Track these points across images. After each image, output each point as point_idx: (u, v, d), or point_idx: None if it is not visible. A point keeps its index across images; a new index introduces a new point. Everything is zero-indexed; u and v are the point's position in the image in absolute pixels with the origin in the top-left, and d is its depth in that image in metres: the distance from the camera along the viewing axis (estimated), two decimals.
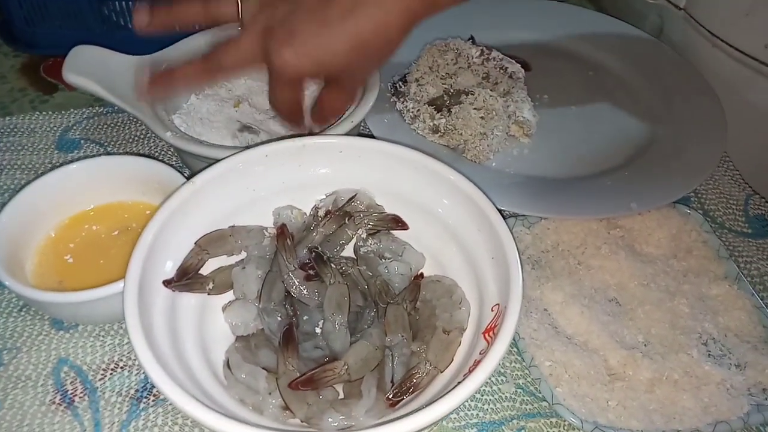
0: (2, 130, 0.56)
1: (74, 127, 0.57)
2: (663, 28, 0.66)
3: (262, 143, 0.43)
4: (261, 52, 0.41)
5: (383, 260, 0.42)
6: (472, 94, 0.55)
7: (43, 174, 0.45)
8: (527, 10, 0.69)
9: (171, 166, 0.46)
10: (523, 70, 0.59)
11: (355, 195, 0.44)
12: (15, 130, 0.56)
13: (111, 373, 0.41)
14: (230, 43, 0.43)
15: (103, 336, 0.43)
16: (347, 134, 0.48)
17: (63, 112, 0.58)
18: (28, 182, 0.45)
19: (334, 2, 0.40)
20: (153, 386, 0.40)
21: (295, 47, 0.40)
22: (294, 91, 0.43)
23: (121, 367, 0.41)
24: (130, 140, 0.56)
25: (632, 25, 0.67)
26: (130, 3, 0.60)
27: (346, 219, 0.43)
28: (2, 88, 0.61)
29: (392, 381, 0.36)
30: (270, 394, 0.35)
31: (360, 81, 0.48)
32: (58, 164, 0.54)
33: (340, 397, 0.37)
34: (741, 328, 0.45)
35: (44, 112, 0.58)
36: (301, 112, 0.45)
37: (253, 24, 0.42)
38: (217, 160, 0.42)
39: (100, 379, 0.41)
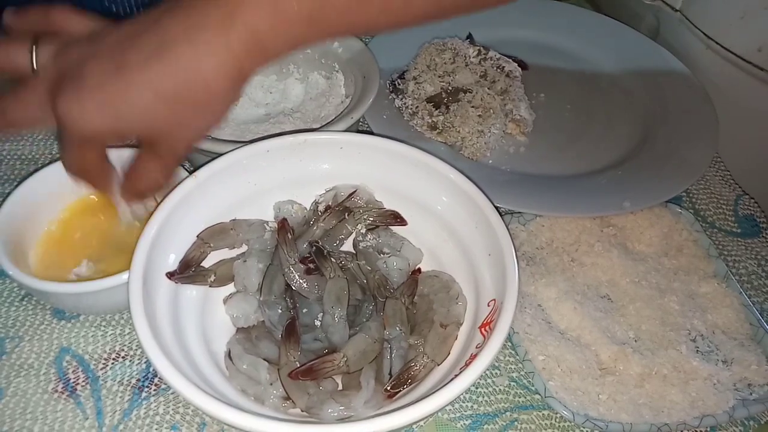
0: None
1: None
2: (659, 29, 0.67)
3: (263, 138, 0.44)
4: (50, 105, 0.33)
5: (382, 255, 0.43)
6: (469, 92, 0.56)
7: (44, 165, 0.45)
8: (525, 9, 0.69)
9: None
10: (519, 69, 0.59)
11: (355, 191, 0.45)
12: None
13: (113, 363, 0.42)
14: (17, 94, 0.35)
15: (104, 326, 0.43)
16: (347, 130, 0.48)
17: None
18: (29, 173, 0.46)
19: (136, 43, 0.32)
20: (154, 375, 0.41)
21: (83, 100, 0.32)
22: (89, 153, 0.35)
23: (123, 357, 0.42)
24: None
25: (629, 26, 0.68)
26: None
27: (346, 214, 0.44)
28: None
29: (390, 373, 0.37)
30: (271, 384, 0.36)
31: (182, 145, 0.36)
32: (58, 155, 0.54)
33: (339, 389, 0.38)
34: (728, 325, 0.46)
35: None
36: (104, 178, 0.37)
37: (43, 72, 0.34)
38: (220, 155, 0.42)
39: (101, 369, 0.41)
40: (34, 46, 0.35)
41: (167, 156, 0.36)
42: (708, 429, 0.42)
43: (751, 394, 0.42)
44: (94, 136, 0.33)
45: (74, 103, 0.32)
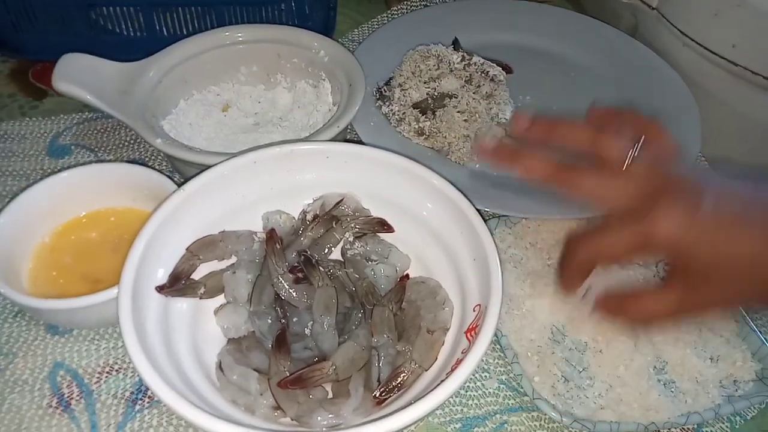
0: None
1: (64, 133, 0.58)
2: (638, 27, 0.68)
3: (249, 150, 0.45)
4: (636, 198, 0.36)
5: (370, 262, 0.44)
6: (455, 97, 0.56)
7: (35, 181, 0.45)
8: (507, 12, 0.70)
9: (161, 172, 0.47)
10: (504, 73, 0.60)
11: (342, 199, 0.45)
12: (5, 136, 0.57)
13: (106, 376, 0.42)
14: (609, 173, 0.38)
15: (97, 340, 0.44)
16: (334, 139, 0.49)
17: (53, 117, 0.59)
18: (20, 189, 0.46)
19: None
20: (148, 388, 0.42)
21: (688, 216, 0.34)
22: (624, 252, 0.37)
23: (116, 370, 0.43)
24: (121, 145, 0.57)
25: (609, 25, 0.69)
26: (117, 8, 0.61)
27: (334, 223, 0.45)
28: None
29: (379, 380, 0.38)
30: (261, 394, 0.36)
31: (720, 299, 0.37)
32: (49, 170, 0.55)
33: (329, 397, 0.38)
34: (714, 322, 0.47)
35: (34, 118, 0.59)
36: (584, 275, 0.39)
37: (636, 171, 0.37)
38: (207, 167, 0.43)
39: (95, 382, 0.42)
40: (636, 146, 0.38)
41: (702, 296, 0.36)
42: (695, 426, 0.42)
43: (736, 390, 0.43)
44: (663, 245, 0.35)
45: (680, 215, 0.35)
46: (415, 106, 0.57)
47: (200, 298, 0.41)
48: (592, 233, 0.39)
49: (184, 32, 0.62)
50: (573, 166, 0.40)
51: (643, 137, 0.39)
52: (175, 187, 0.44)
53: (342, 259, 0.45)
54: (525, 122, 0.42)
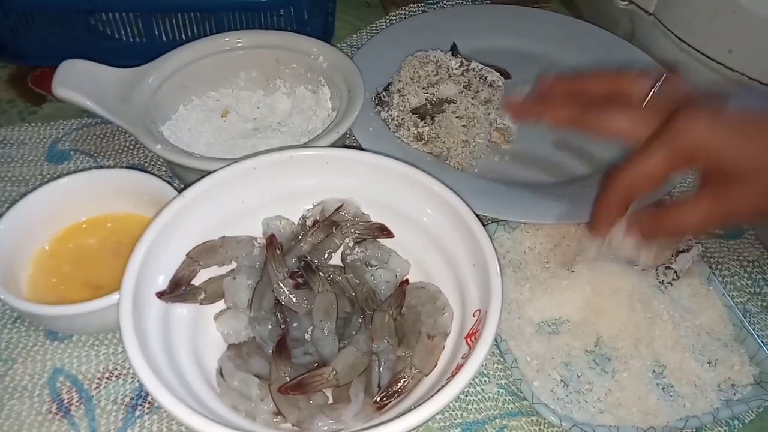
0: None
1: (64, 138, 0.58)
2: (635, 32, 0.68)
3: (249, 156, 0.45)
4: (657, 121, 0.38)
5: (370, 268, 0.44)
6: (453, 102, 0.56)
7: (34, 187, 0.45)
8: (507, 18, 0.70)
9: (161, 178, 0.47)
10: (502, 78, 0.60)
11: (342, 205, 0.45)
12: (4, 142, 0.57)
13: (106, 382, 0.42)
14: (617, 109, 0.40)
15: (97, 346, 0.44)
16: (333, 145, 0.49)
17: (52, 123, 0.59)
18: (20, 195, 0.46)
19: None
20: (147, 394, 0.42)
21: (716, 121, 0.35)
22: (662, 167, 0.38)
23: (116, 376, 0.43)
24: (120, 151, 0.57)
25: (607, 30, 0.69)
26: (116, 14, 0.61)
27: (334, 228, 0.45)
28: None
29: (379, 385, 0.38)
30: (262, 400, 0.37)
31: (759, 198, 0.36)
32: (48, 176, 0.55)
33: (329, 402, 0.38)
34: (712, 326, 0.47)
35: (33, 124, 0.59)
36: (627, 199, 0.40)
37: (660, 109, 0.39)
38: (207, 172, 0.43)
39: (95, 388, 0.42)
40: (657, 83, 0.40)
41: (732, 201, 0.36)
42: (693, 430, 0.42)
43: (734, 394, 0.43)
44: (693, 152, 0.36)
45: (706, 118, 0.36)
46: (414, 111, 0.57)
47: (200, 304, 0.41)
48: (625, 164, 0.39)
49: (184, 38, 0.62)
50: (598, 105, 0.41)
51: (663, 77, 0.40)
52: (175, 192, 0.44)
53: (342, 265, 0.45)
54: (548, 80, 0.45)
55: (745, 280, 0.52)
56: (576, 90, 0.44)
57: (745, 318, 0.47)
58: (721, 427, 0.43)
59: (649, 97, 0.40)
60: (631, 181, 0.39)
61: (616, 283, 0.46)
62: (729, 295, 0.48)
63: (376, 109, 0.59)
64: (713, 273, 0.49)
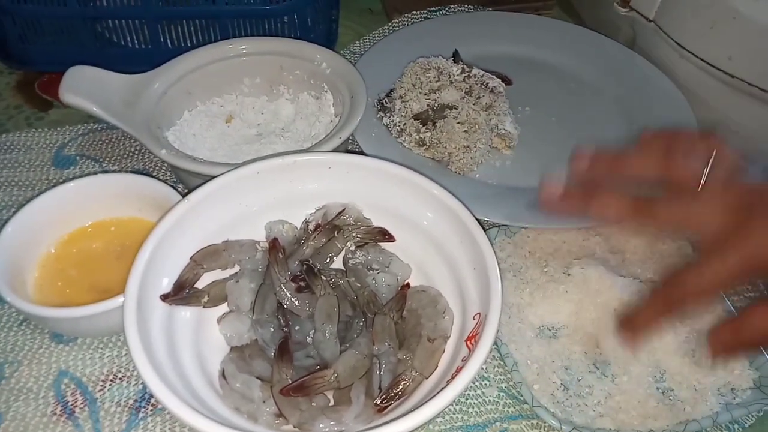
0: None
1: (70, 144, 0.59)
2: (635, 39, 0.69)
3: (254, 160, 0.45)
4: (726, 216, 0.35)
5: (371, 271, 0.44)
6: (455, 108, 0.57)
7: (41, 192, 0.46)
8: (508, 25, 0.71)
9: (165, 182, 0.47)
10: (503, 84, 0.61)
11: (344, 209, 0.46)
12: (11, 147, 0.58)
13: (110, 384, 0.43)
14: (689, 197, 0.36)
15: (101, 348, 0.44)
16: (336, 150, 0.50)
17: (58, 128, 0.60)
18: (26, 199, 0.47)
19: None
20: (151, 396, 0.42)
21: None
22: (728, 278, 0.35)
23: (120, 378, 0.43)
24: (125, 156, 0.58)
25: (607, 37, 0.70)
26: (122, 21, 0.62)
27: (336, 232, 0.45)
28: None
29: (380, 388, 0.38)
30: (264, 402, 0.37)
31: None
32: (54, 181, 0.55)
33: (330, 404, 0.39)
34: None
35: (40, 129, 0.60)
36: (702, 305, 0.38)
37: (713, 189, 0.36)
38: (211, 177, 0.44)
39: (99, 390, 0.42)
40: (708, 164, 0.36)
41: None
42: None
43: (734, 398, 0.43)
44: (755, 265, 0.34)
45: None
46: (416, 117, 0.58)
47: (204, 307, 0.42)
48: (691, 267, 0.36)
49: (189, 45, 0.63)
50: (649, 198, 0.37)
51: (714, 153, 0.37)
52: (180, 197, 0.44)
53: (343, 268, 0.45)
54: (585, 161, 0.40)
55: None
56: (617, 174, 0.39)
57: None
58: (721, 431, 0.43)
59: (703, 181, 0.36)
60: (699, 286, 0.36)
61: (617, 284, 0.47)
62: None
63: (379, 115, 0.59)
64: None
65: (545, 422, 0.41)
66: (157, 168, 0.58)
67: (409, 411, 0.33)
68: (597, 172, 0.39)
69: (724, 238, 0.35)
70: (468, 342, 0.38)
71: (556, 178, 0.41)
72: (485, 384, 0.44)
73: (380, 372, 0.39)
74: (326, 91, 0.58)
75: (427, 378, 0.38)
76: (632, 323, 0.38)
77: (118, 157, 0.58)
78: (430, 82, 0.60)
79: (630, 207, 0.37)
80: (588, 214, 0.39)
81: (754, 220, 0.34)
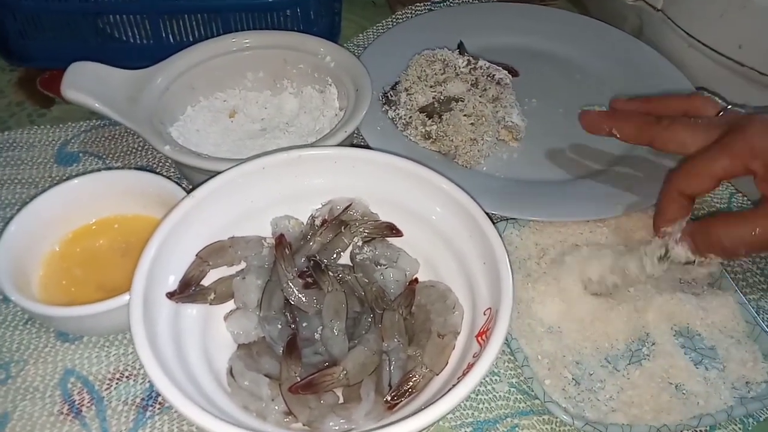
0: (1, 145, 0.57)
1: (72, 141, 0.58)
2: (642, 29, 0.68)
3: (258, 155, 0.45)
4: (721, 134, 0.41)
5: (379, 267, 0.44)
6: (461, 100, 0.56)
7: (44, 189, 0.46)
8: (513, 15, 0.70)
9: (169, 179, 0.47)
10: (510, 76, 0.60)
11: (351, 204, 0.45)
12: (14, 144, 0.57)
13: (117, 383, 0.42)
14: (689, 122, 0.43)
15: (108, 347, 0.44)
16: (341, 144, 0.49)
17: (61, 125, 0.59)
18: (29, 197, 0.47)
19: None
20: (158, 394, 0.42)
21: None
22: (715, 175, 0.40)
23: (127, 377, 0.43)
24: (129, 152, 0.58)
25: (614, 26, 0.69)
26: (124, 16, 0.61)
27: (342, 227, 0.45)
28: (0, 103, 0.62)
29: (390, 384, 0.38)
30: (273, 400, 0.36)
31: None
32: (57, 178, 0.55)
33: (340, 402, 0.38)
34: (725, 323, 0.46)
35: (42, 126, 0.59)
36: (682, 206, 0.43)
37: (720, 120, 0.43)
38: (216, 173, 0.43)
39: (106, 389, 0.42)
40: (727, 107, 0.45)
41: None
42: (707, 428, 0.42)
43: (749, 392, 0.43)
44: (750, 157, 0.39)
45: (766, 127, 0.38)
46: (422, 110, 0.57)
47: (210, 304, 0.41)
48: (685, 163, 0.41)
49: (191, 39, 0.62)
50: (665, 117, 0.44)
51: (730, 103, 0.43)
52: (184, 193, 0.44)
53: (351, 264, 0.45)
54: (621, 101, 0.49)
55: (758, 276, 0.51)
56: (646, 110, 0.47)
57: (758, 315, 0.46)
58: (736, 425, 0.43)
59: (718, 114, 0.43)
60: (689, 180, 0.41)
61: (625, 277, 0.46)
62: (741, 292, 0.48)
63: (384, 108, 0.58)
64: (725, 270, 0.49)
65: (557, 417, 0.41)
66: (160, 164, 0.57)
67: (421, 408, 0.33)
68: (628, 106, 0.49)
69: (720, 141, 0.41)
70: (479, 338, 0.37)
71: (596, 107, 0.51)
72: (496, 379, 0.44)
73: (390, 368, 0.38)
74: (330, 85, 0.58)
75: (437, 374, 0.38)
76: (656, 214, 0.44)
77: (122, 154, 0.57)
78: (435, 74, 0.59)
79: (646, 128, 0.44)
80: (612, 131, 0.48)
81: (748, 123, 0.40)
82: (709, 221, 0.41)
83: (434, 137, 0.56)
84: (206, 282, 0.42)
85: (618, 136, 0.48)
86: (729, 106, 0.44)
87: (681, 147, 0.43)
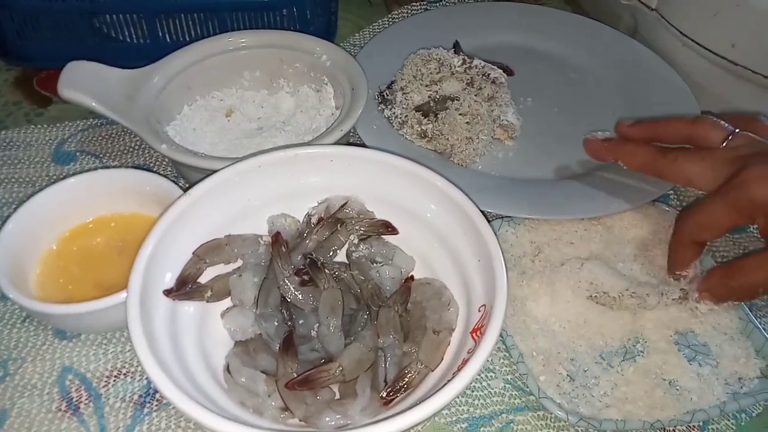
0: None
1: (69, 140, 0.58)
2: (637, 28, 0.68)
3: (255, 154, 0.45)
4: (726, 172, 0.41)
5: (375, 264, 0.44)
6: (457, 99, 0.57)
7: (41, 188, 0.46)
8: (509, 15, 0.71)
9: (166, 177, 0.47)
10: (505, 75, 0.60)
11: (347, 202, 0.46)
12: (11, 143, 0.58)
13: (114, 380, 0.43)
14: (693, 154, 0.43)
15: (105, 344, 0.44)
16: (337, 143, 0.49)
17: (58, 124, 0.59)
18: (27, 196, 0.47)
19: None
20: (156, 392, 0.42)
21: None
22: (727, 221, 0.41)
23: (124, 374, 0.43)
24: (125, 151, 0.58)
25: (608, 26, 0.69)
26: (120, 16, 0.61)
27: (338, 225, 0.45)
28: None
29: (385, 380, 0.38)
30: (269, 396, 0.37)
31: None
32: (55, 177, 0.55)
33: (336, 397, 0.38)
34: (718, 320, 0.47)
35: (39, 125, 0.59)
36: (698, 252, 0.44)
37: (732, 149, 0.42)
38: (213, 171, 0.43)
39: (104, 386, 0.42)
40: (734, 132, 0.43)
41: None
42: (700, 424, 0.42)
43: (741, 387, 0.43)
44: (752, 208, 0.39)
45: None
46: (417, 109, 0.57)
47: (207, 302, 0.42)
48: (693, 209, 0.42)
49: (187, 39, 0.63)
50: (671, 153, 0.43)
51: (739, 125, 0.42)
52: (181, 192, 0.44)
53: (347, 262, 0.45)
54: (627, 124, 0.49)
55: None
56: (653, 135, 0.47)
57: (751, 311, 0.47)
58: (729, 421, 0.43)
59: (723, 145, 0.42)
60: (695, 228, 0.43)
61: (619, 275, 0.46)
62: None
63: (380, 107, 0.59)
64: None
65: (551, 413, 0.41)
66: (157, 163, 0.57)
67: (415, 404, 0.33)
68: (634, 132, 0.48)
69: (725, 184, 0.41)
70: (473, 334, 0.38)
71: (600, 133, 0.51)
72: (491, 376, 0.44)
73: (386, 365, 0.38)
74: (327, 84, 0.58)
75: (432, 370, 0.38)
76: (669, 260, 0.46)
77: (119, 153, 0.58)
78: (431, 73, 0.59)
79: (653, 159, 0.44)
80: (618, 160, 0.47)
81: (747, 165, 0.39)
82: (725, 272, 0.42)
83: (430, 136, 0.56)
84: (203, 280, 0.42)
85: (624, 164, 0.48)
86: (736, 130, 0.43)
87: (688, 182, 0.44)
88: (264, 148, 0.53)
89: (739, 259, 0.42)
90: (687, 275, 0.45)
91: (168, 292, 0.39)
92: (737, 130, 0.43)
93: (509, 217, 0.51)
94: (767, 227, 0.40)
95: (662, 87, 0.62)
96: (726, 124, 0.44)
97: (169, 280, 0.40)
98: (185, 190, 0.43)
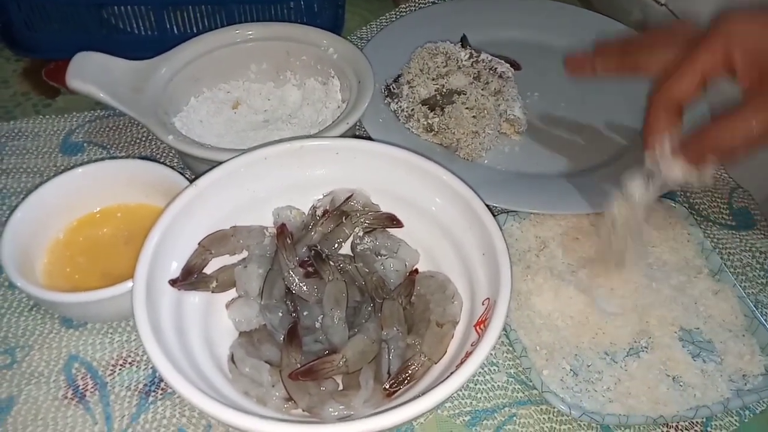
0: (7, 135, 0.58)
1: (77, 131, 0.59)
2: (645, 23, 0.68)
3: (261, 145, 0.45)
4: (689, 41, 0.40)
5: (379, 257, 0.44)
6: (463, 93, 0.56)
7: (49, 178, 0.46)
8: (515, 9, 0.70)
9: (173, 168, 0.47)
10: (512, 70, 0.60)
11: (352, 195, 0.46)
12: (19, 134, 0.58)
13: (120, 369, 0.43)
14: (649, 42, 0.45)
15: (111, 333, 0.45)
16: (343, 135, 0.49)
17: (66, 115, 0.60)
18: (34, 186, 0.47)
19: None
20: (161, 380, 0.42)
21: (761, 25, 0.37)
22: (701, 73, 0.40)
23: (130, 363, 0.43)
24: (133, 142, 0.58)
25: (617, 21, 0.69)
26: (128, 7, 0.61)
27: (344, 218, 0.45)
28: (5, 93, 0.62)
29: (389, 372, 0.38)
30: (273, 386, 0.37)
31: None
32: (62, 167, 0.55)
33: (339, 389, 0.39)
34: (723, 317, 0.47)
35: (47, 116, 0.60)
36: (673, 114, 0.41)
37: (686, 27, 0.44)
38: (219, 163, 0.44)
39: (109, 375, 0.43)
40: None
41: None
42: (703, 420, 0.42)
43: (745, 384, 0.43)
44: (732, 50, 0.38)
45: (744, 18, 0.38)
46: (424, 102, 0.57)
47: (212, 292, 0.42)
48: (672, 64, 0.41)
49: (195, 31, 0.63)
50: (645, 46, 0.44)
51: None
52: (187, 183, 0.44)
53: (352, 254, 0.45)
54: (604, 41, 0.49)
55: (757, 270, 0.51)
56: (627, 46, 0.47)
57: (756, 309, 0.47)
58: (732, 417, 0.43)
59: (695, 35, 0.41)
60: (674, 82, 0.40)
61: (626, 270, 0.46)
62: (740, 286, 0.48)
63: (386, 101, 0.59)
64: (725, 264, 0.49)
65: (554, 407, 0.41)
66: (164, 154, 0.57)
67: (418, 396, 0.33)
68: (610, 44, 0.48)
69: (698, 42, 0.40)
70: (477, 327, 0.38)
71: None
72: (494, 369, 0.44)
73: (389, 357, 0.39)
74: (333, 77, 0.58)
75: (436, 363, 0.38)
76: (645, 131, 0.43)
77: (126, 144, 0.58)
78: (437, 67, 0.59)
79: (627, 57, 0.45)
80: (595, 68, 0.48)
81: (726, 21, 0.39)
82: (701, 128, 0.40)
83: (436, 130, 0.56)
84: (208, 270, 0.43)
85: (603, 70, 0.47)
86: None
87: (664, 67, 0.42)
88: (270, 140, 0.53)
89: (716, 116, 0.39)
90: (660, 147, 0.41)
91: (173, 282, 0.40)
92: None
93: (514, 211, 0.51)
94: (744, 64, 0.38)
95: None
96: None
97: (174, 270, 0.41)
98: (191, 181, 0.43)
